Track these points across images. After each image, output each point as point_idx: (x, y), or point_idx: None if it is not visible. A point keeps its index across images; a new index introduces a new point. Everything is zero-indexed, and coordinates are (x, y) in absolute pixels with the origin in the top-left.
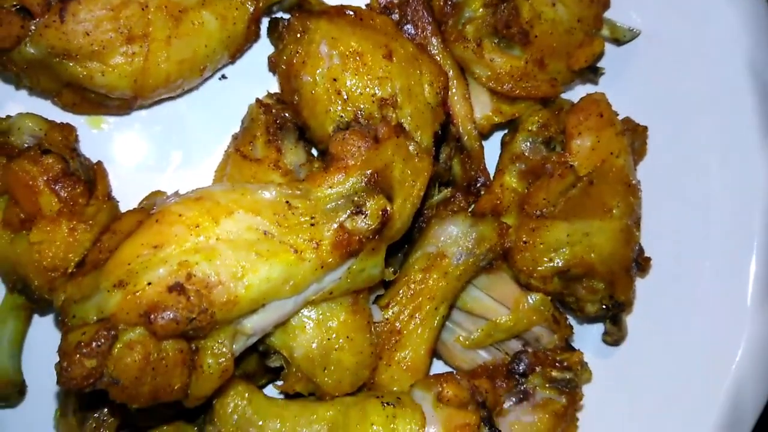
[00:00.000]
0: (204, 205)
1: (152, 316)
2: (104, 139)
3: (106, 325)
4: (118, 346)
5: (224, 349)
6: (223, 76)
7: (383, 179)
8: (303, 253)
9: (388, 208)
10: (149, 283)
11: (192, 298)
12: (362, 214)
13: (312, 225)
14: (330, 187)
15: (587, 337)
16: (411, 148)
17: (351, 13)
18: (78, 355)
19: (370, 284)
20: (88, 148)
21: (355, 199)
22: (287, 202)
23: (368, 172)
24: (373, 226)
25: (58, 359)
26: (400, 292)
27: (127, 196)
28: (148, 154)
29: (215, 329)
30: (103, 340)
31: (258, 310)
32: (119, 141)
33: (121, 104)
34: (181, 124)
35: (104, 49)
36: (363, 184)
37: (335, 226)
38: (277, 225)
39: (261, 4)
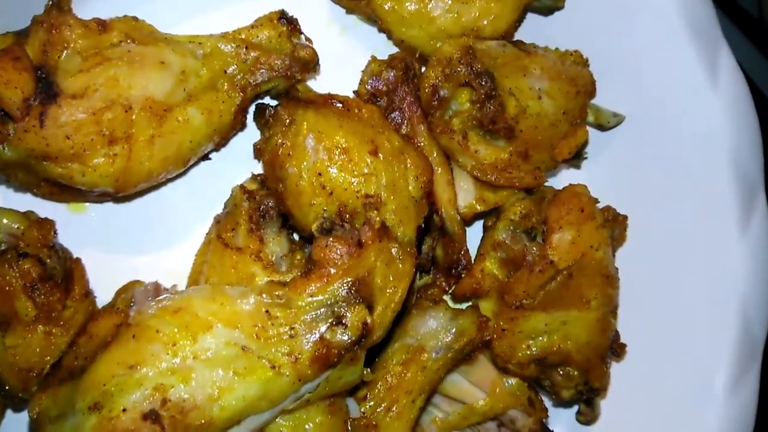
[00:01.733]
0: (182, 319)
1: None
2: (86, 224)
3: None
4: None
5: None
6: (207, 157)
7: (365, 287)
8: (281, 368)
9: (368, 320)
10: (124, 409)
11: (166, 426)
12: (342, 325)
13: (291, 336)
14: (311, 296)
15: (562, 415)
16: (393, 251)
17: (338, 103)
18: None
19: (347, 388)
20: (70, 231)
21: (336, 309)
22: (267, 311)
23: (350, 280)
24: (353, 339)
25: None
26: (378, 385)
27: (107, 282)
28: (129, 236)
29: None
30: None
31: (233, 427)
32: (101, 224)
33: (102, 195)
34: (163, 205)
35: (85, 152)
36: (344, 293)
37: (315, 338)
38: (255, 338)
39: (248, 95)
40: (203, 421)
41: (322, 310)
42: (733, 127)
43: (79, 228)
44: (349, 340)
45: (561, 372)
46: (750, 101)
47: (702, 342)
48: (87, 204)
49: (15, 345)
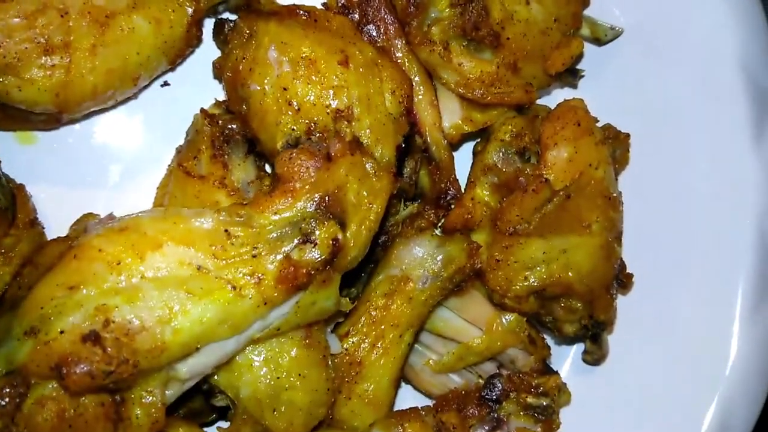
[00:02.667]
0: (128, 238)
1: (64, 370)
2: (37, 155)
3: (15, 380)
4: (29, 402)
5: (154, 399)
6: (165, 83)
7: (336, 203)
8: (242, 289)
9: (340, 237)
10: (62, 332)
11: (109, 348)
12: (311, 243)
13: (254, 257)
14: (275, 213)
15: (567, 354)
16: (368, 166)
17: (304, 14)
18: None
19: (323, 317)
20: (18, 165)
21: (303, 226)
22: (226, 230)
23: (318, 195)
24: (323, 257)
25: None
26: (362, 319)
27: (61, 218)
28: (85, 170)
29: (142, 378)
30: (8, 399)
31: (192, 353)
32: (53, 157)
33: (48, 119)
34: (120, 137)
35: (19, 62)
36: (312, 209)
37: (280, 257)
38: (213, 258)
39: (202, 5)
40: (154, 345)
41: (288, 228)
42: (742, 31)
43: (29, 160)
44: (319, 258)
45: (563, 305)
46: (758, 4)
47: (718, 265)
48: (37, 134)
49: None
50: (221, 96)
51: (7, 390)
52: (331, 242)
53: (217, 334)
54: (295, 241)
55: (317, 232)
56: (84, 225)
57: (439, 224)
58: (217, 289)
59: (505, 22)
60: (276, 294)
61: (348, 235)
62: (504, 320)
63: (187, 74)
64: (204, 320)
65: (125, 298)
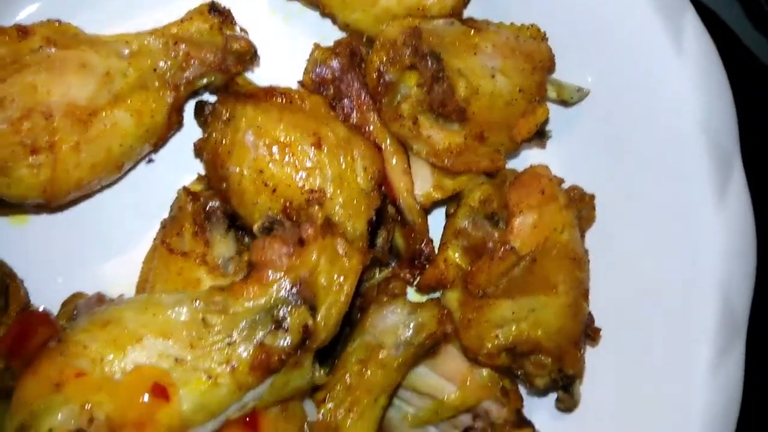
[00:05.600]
0: (110, 333)
1: None
2: (28, 236)
3: None
4: None
5: None
6: (150, 160)
7: (307, 287)
8: (217, 378)
9: (309, 323)
10: (50, 430)
11: None
12: (282, 329)
13: (229, 344)
14: (249, 300)
15: (542, 402)
16: (339, 247)
17: (280, 96)
18: None
19: (296, 394)
20: (12, 245)
21: (275, 313)
22: (203, 318)
23: (289, 282)
24: (294, 342)
25: None
26: (337, 386)
27: (54, 293)
28: (75, 245)
29: None
30: None
31: None
32: (44, 236)
33: (39, 206)
34: (108, 212)
35: (8, 164)
36: (284, 295)
37: (253, 345)
38: (190, 348)
39: (181, 93)
40: None
41: (261, 314)
42: (703, 94)
43: (21, 241)
44: (290, 345)
45: (533, 360)
46: (720, 66)
47: (682, 319)
48: (28, 216)
49: None
50: (203, 171)
51: None
52: (301, 329)
53: (195, 421)
54: (269, 327)
55: (288, 319)
56: (73, 305)
57: (415, 283)
58: (194, 380)
59: (471, 97)
60: (250, 379)
61: (318, 318)
62: (477, 375)
63: (171, 150)
64: (182, 410)
65: (108, 394)
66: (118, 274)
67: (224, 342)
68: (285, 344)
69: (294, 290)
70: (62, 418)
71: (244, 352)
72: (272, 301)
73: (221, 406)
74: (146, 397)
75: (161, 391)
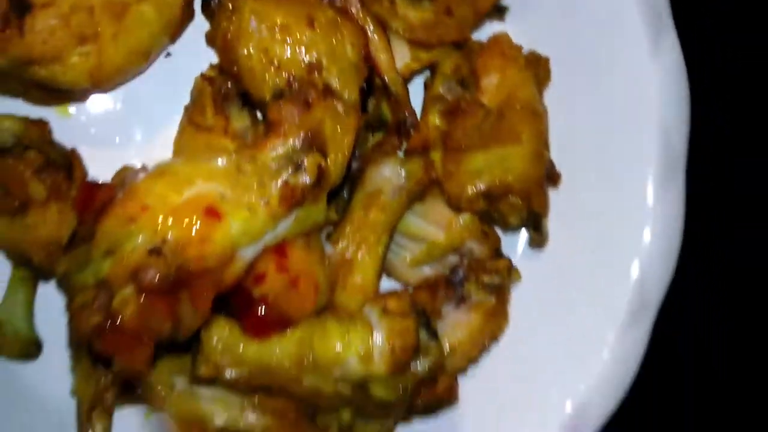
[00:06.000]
0: (168, 180)
1: (139, 276)
2: (74, 125)
3: (103, 287)
4: (115, 302)
5: None
6: (168, 54)
7: (317, 138)
8: (256, 209)
9: (322, 164)
10: (132, 250)
11: (168, 257)
12: (302, 170)
13: (261, 185)
14: (272, 151)
15: (517, 244)
16: (339, 107)
17: None
18: (84, 314)
19: (317, 227)
20: (61, 135)
21: (294, 158)
22: (238, 166)
23: (302, 133)
24: (312, 180)
25: (65, 317)
26: (347, 228)
27: (101, 175)
28: (113, 133)
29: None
30: (102, 299)
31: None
32: (87, 125)
33: (82, 95)
34: (137, 104)
35: (62, 53)
36: (299, 145)
37: (280, 183)
38: (231, 188)
39: None
40: (198, 254)
41: (283, 160)
42: None
43: (67, 129)
44: (309, 181)
45: (506, 202)
46: None
47: (629, 156)
48: (71, 109)
49: (35, 223)
50: (215, 60)
51: (101, 293)
52: (316, 168)
53: (241, 243)
54: (290, 169)
55: (305, 162)
56: (123, 175)
57: (402, 148)
58: (239, 210)
59: None
60: (281, 211)
61: (329, 162)
62: (461, 219)
63: (185, 45)
64: (231, 234)
65: (174, 219)
66: (155, 152)
67: (257, 183)
68: (305, 180)
69: (307, 140)
70: (141, 240)
71: (273, 189)
72: (290, 150)
73: (260, 233)
74: (202, 220)
75: (214, 213)
